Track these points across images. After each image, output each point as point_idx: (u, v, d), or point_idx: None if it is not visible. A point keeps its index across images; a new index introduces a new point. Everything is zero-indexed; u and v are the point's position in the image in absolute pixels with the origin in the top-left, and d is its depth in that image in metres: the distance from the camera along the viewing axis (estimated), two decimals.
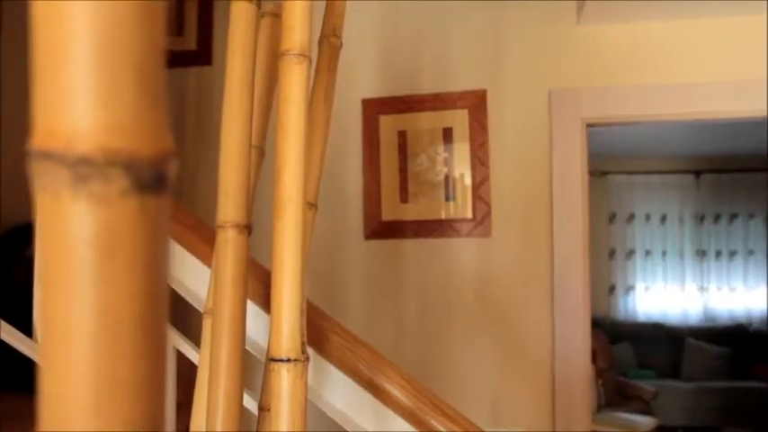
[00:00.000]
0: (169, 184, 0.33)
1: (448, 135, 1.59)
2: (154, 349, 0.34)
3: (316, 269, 1.62)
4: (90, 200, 0.31)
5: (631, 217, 4.69)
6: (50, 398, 0.34)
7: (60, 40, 0.31)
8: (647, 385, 3.94)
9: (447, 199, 1.59)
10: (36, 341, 0.87)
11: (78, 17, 0.31)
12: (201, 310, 0.67)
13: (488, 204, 1.58)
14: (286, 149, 0.52)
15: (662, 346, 4.42)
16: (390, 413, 0.71)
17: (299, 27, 0.54)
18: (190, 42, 1.74)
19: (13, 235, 1.24)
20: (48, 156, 0.30)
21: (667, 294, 4.65)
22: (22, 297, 1.02)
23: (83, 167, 0.30)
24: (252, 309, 0.72)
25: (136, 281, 0.32)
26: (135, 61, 0.31)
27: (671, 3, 1.44)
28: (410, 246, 1.62)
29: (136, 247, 0.32)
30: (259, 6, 0.60)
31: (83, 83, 0.31)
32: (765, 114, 1.48)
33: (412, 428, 0.71)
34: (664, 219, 4.67)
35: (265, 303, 0.73)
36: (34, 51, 0.31)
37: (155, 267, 0.33)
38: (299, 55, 0.53)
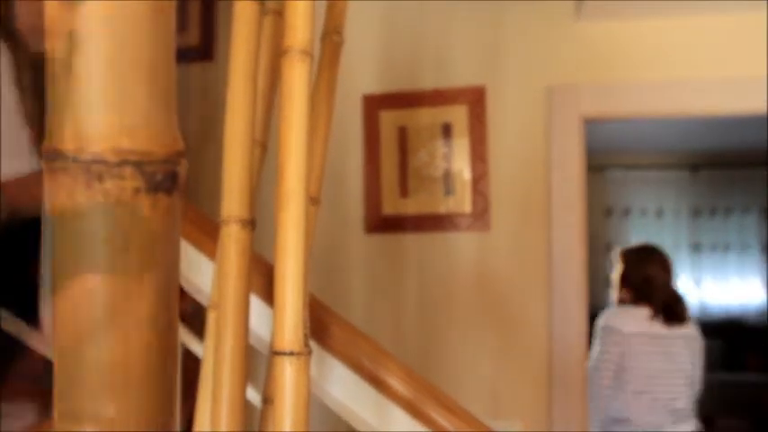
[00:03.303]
0: (180, 183, 0.33)
1: (447, 131, 1.60)
2: (165, 344, 0.35)
3: (317, 263, 1.63)
4: (104, 198, 0.32)
5: (628, 211, 4.71)
6: (64, 392, 0.34)
7: (74, 43, 0.32)
8: None
9: (446, 194, 1.60)
10: (40, 333, 0.88)
11: (91, 22, 0.31)
12: (206, 305, 0.68)
13: (487, 199, 1.59)
14: (289, 145, 0.53)
15: None
16: (391, 405, 0.73)
17: (301, 25, 0.54)
18: (192, 38, 1.73)
19: (18, 230, 1.25)
20: (62, 156, 0.31)
21: None
22: (24, 294, 1.03)
23: (96, 167, 0.31)
24: (255, 302, 0.73)
25: (149, 277, 0.33)
26: (146, 64, 0.32)
27: (669, 1, 1.45)
28: (410, 240, 1.63)
29: (148, 244, 0.33)
30: (262, 5, 0.60)
31: (96, 85, 0.31)
32: (764, 111, 1.49)
33: (413, 420, 0.72)
34: (660, 213, 4.69)
35: (269, 297, 0.74)
36: (48, 54, 0.32)
37: (167, 264, 0.34)
38: (302, 52, 0.54)
